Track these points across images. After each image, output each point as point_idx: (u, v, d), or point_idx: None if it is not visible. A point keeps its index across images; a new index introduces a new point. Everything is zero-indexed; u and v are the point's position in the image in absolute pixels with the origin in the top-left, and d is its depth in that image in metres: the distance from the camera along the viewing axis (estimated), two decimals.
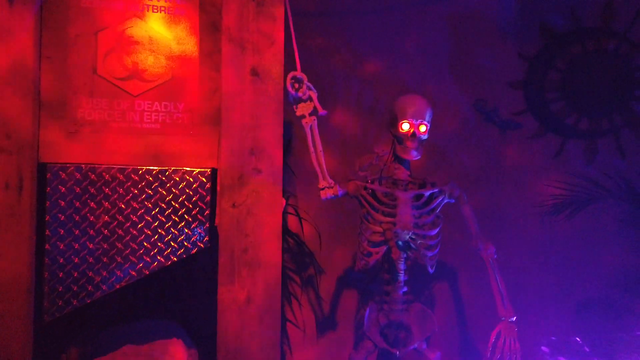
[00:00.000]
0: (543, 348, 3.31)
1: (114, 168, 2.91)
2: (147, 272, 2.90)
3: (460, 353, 4.25)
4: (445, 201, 3.44)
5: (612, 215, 4.29)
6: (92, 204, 2.89)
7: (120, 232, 2.89)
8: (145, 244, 2.92)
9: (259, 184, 2.96)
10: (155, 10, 2.99)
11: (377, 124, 4.23)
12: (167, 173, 2.95)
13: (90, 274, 2.86)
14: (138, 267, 2.89)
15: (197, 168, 2.99)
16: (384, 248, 3.35)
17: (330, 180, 3.25)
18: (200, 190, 2.97)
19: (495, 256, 3.33)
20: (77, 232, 2.86)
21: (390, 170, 3.48)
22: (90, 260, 2.87)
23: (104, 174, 2.90)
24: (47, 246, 2.84)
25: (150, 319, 3.48)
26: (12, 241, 2.75)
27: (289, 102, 3.10)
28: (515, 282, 4.05)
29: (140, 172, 2.93)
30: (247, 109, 2.96)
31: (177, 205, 2.96)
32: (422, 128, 3.35)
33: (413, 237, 3.29)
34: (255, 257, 2.93)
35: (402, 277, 3.36)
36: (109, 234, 2.89)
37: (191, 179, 2.97)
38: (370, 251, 3.38)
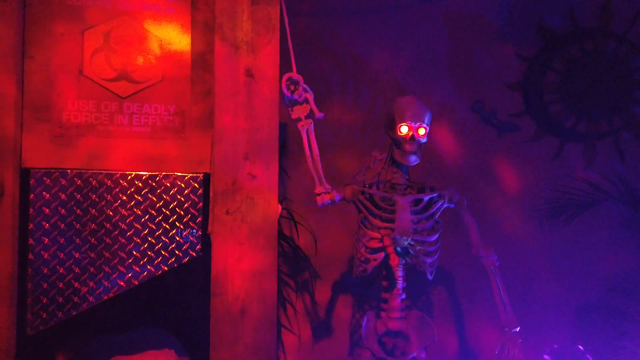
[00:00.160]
0: (545, 357, 3.14)
1: (101, 173, 2.73)
2: (137, 283, 2.72)
3: None
4: (445, 206, 3.32)
5: (612, 219, 4.19)
6: (78, 211, 2.70)
7: (107, 240, 2.71)
8: (134, 252, 2.73)
9: (253, 189, 2.77)
10: (145, 8, 2.79)
11: (374, 127, 4.09)
12: (157, 178, 2.76)
13: (77, 284, 2.67)
14: (127, 277, 2.71)
15: (189, 173, 2.80)
16: (382, 254, 3.21)
17: (327, 186, 3.10)
18: (192, 197, 2.78)
19: (498, 263, 3.16)
20: (62, 240, 2.68)
21: (388, 174, 3.34)
22: (76, 270, 2.69)
23: (90, 179, 2.71)
24: (30, 256, 2.65)
25: (141, 327, 3.29)
26: None
27: (285, 104, 2.91)
28: (513, 287, 3.90)
29: (129, 177, 2.74)
30: (241, 111, 2.78)
31: (167, 212, 2.77)
32: (421, 131, 3.20)
33: (412, 243, 3.16)
34: (250, 267, 2.75)
35: (400, 284, 3.22)
36: (96, 243, 2.70)
37: (183, 185, 2.78)
38: (368, 258, 3.24)
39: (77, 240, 2.69)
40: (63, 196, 2.68)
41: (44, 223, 2.66)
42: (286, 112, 2.98)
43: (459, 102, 4.21)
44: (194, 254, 2.79)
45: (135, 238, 2.73)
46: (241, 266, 2.74)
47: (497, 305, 3.16)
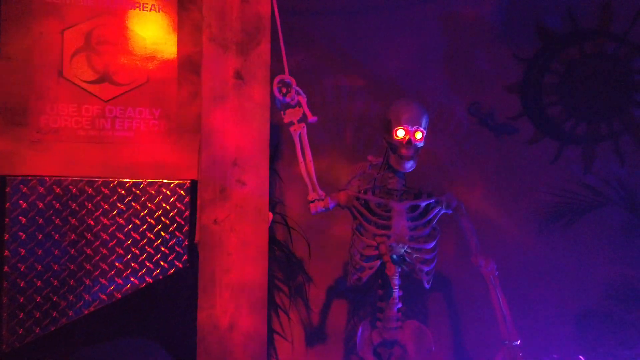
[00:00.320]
0: None
1: (82, 181, 2.52)
2: (119, 296, 2.51)
3: None
4: (442, 212, 3.13)
5: (611, 224, 4.02)
6: (57, 220, 2.50)
7: (88, 251, 2.50)
8: (117, 264, 2.52)
9: (243, 197, 2.57)
10: (129, 7, 2.57)
11: (370, 130, 3.93)
12: (141, 186, 2.55)
13: (55, 298, 2.47)
14: (109, 290, 2.50)
15: (175, 180, 2.61)
16: (378, 263, 3.02)
17: (321, 192, 2.90)
18: (178, 205, 2.58)
19: (497, 273, 2.96)
20: (40, 252, 2.47)
21: (384, 179, 3.15)
22: (55, 283, 2.49)
23: (70, 187, 2.50)
24: (5, 268, 2.45)
25: (128, 337, 3.08)
26: None
27: (276, 107, 2.70)
28: (512, 294, 3.73)
29: (112, 184, 2.54)
30: (230, 115, 2.57)
31: (152, 221, 2.57)
32: (418, 135, 3.02)
33: (408, 251, 2.98)
34: (239, 279, 2.55)
35: (396, 293, 3.05)
36: (76, 254, 2.50)
37: (168, 192, 2.58)
38: (363, 266, 3.06)
39: (56, 252, 2.49)
40: (41, 205, 2.48)
41: (21, 233, 2.46)
42: (279, 113, 2.79)
43: (456, 104, 4.04)
44: (180, 265, 2.59)
45: (117, 249, 2.53)
46: (230, 278, 2.54)
47: (497, 317, 2.96)
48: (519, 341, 2.91)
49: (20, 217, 2.45)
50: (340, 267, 3.90)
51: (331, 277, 3.94)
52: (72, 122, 2.51)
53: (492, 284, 2.98)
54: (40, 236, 2.46)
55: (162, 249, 2.57)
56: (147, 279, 2.54)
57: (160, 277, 2.57)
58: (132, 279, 2.52)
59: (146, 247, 2.55)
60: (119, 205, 2.54)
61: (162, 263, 2.56)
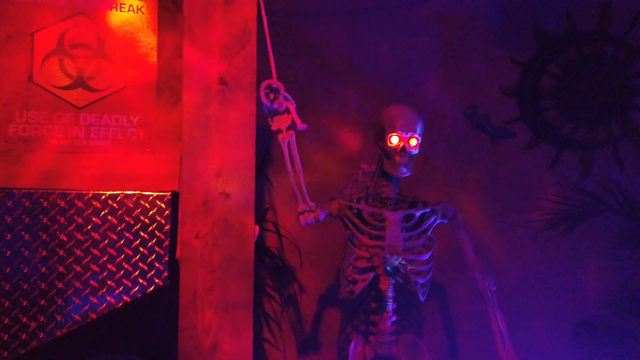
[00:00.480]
0: None
1: (53, 193, 2.29)
2: (95, 316, 2.27)
3: None
4: (438, 222, 2.89)
5: (610, 231, 3.79)
6: (27, 236, 2.28)
7: (61, 269, 2.27)
8: (91, 282, 2.29)
9: (227, 210, 2.35)
10: (106, 7, 2.32)
11: (362, 135, 3.69)
12: (118, 198, 2.31)
13: (25, 319, 2.24)
14: (83, 310, 2.27)
15: (155, 192, 2.38)
16: (371, 275, 2.79)
17: (311, 203, 2.68)
18: (158, 218, 2.34)
19: (495, 289, 2.73)
20: (7, 270, 2.26)
21: (378, 187, 2.92)
22: (24, 303, 2.26)
23: (41, 200, 2.26)
24: None
25: (110, 352, 2.83)
26: None
27: (264, 114, 2.46)
28: (507, 304, 3.55)
29: (86, 197, 2.30)
30: (213, 123, 2.35)
31: (130, 235, 2.33)
32: (413, 142, 2.80)
33: (403, 262, 2.75)
34: (223, 297, 2.33)
35: (390, 306, 2.83)
36: (47, 272, 2.27)
37: (147, 205, 2.34)
38: (355, 278, 2.84)
39: (26, 270, 2.26)
40: (9, 219, 2.26)
41: None
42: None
43: (451, 108, 3.82)
44: (160, 282, 2.36)
45: (92, 266, 2.30)
46: (213, 297, 2.31)
47: (495, 336, 2.72)
48: None
49: None
50: (333, 274, 3.68)
51: (324, 284, 3.71)
52: (43, 131, 2.28)
53: (489, 301, 2.75)
54: (8, 253, 2.23)
55: (141, 265, 2.33)
56: (125, 297, 2.31)
57: (139, 295, 2.34)
58: (108, 298, 2.29)
59: (123, 263, 2.32)
60: (94, 219, 2.30)
61: (140, 280, 2.33)
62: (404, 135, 2.80)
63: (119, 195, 2.33)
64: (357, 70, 3.77)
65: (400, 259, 2.74)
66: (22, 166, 2.26)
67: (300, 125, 2.52)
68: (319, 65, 3.75)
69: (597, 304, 3.77)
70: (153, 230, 2.35)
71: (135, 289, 2.32)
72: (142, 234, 2.34)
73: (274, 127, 2.53)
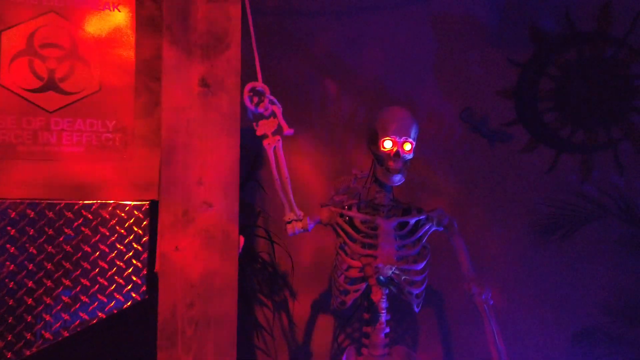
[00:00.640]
0: None
1: (22, 203, 2.08)
2: (67, 334, 2.05)
3: None
4: (433, 229, 2.69)
5: (610, 237, 3.60)
6: None
7: (30, 284, 2.07)
8: (63, 298, 2.09)
9: (209, 221, 2.15)
10: (79, 5, 2.12)
11: (355, 140, 3.48)
12: (92, 208, 2.11)
13: None
14: (54, 327, 2.07)
15: (132, 201, 2.17)
16: (363, 285, 2.60)
17: (299, 212, 2.48)
18: (135, 229, 2.14)
19: (492, 302, 2.53)
20: None
21: (370, 193, 2.73)
22: None
23: (9, 210, 2.07)
24: None
25: None
26: None
27: (248, 118, 2.25)
28: (503, 311, 3.43)
29: (58, 207, 2.10)
30: (194, 128, 2.15)
31: (105, 248, 2.13)
32: (407, 146, 2.61)
33: (396, 272, 2.55)
34: (204, 313, 2.12)
35: (384, 317, 2.63)
36: (15, 287, 2.08)
37: (124, 215, 2.14)
38: (347, 289, 2.66)
39: None
40: None
41: None
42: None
43: (447, 110, 3.63)
44: (138, 297, 2.16)
45: (64, 280, 2.09)
46: (193, 313, 2.11)
47: (490, 351, 2.52)
48: None
49: None
50: (326, 280, 3.47)
51: (317, 291, 3.52)
52: (11, 137, 2.07)
53: (486, 315, 2.55)
54: None
55: (117, 279, 2.13)
56: (100, 314, 2.11)
57: (115, 311, 2.13)
58: (81, 315, 2.09)
59: (98, 277, 2.12)
60: (66, 230, 2.10)
61: (116, 296, 2.12)
62: (397, 139, 2.60)
63: (93, 204, 2.12)
64: (351, 71, 3.58)
65: (393, 268, 2.54)
66: None
67: (287, 130, 2.32)
68: (311, 67, 3.54)
69: (596, 311, 3.59)
70: (130, 242, 2.15)
71: (111, 305, 2.12)
72: (118, 245, 2.14)
73: (259, 132, 2.33)
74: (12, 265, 2.03)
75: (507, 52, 3.65)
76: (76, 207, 2.11)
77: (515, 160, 3.64)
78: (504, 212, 3.62)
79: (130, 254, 2.14)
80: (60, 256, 2.08)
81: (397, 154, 2.59)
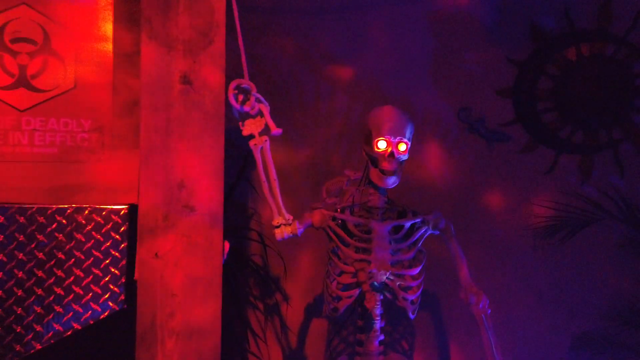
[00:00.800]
0: None
1: None
2: (40, 347, 1.88)
3: None
4: (429, 233, 2.51)
5: (610, 239, 3.43)
6: None
7: (0, 294, 1.84)
8: (35, 308, 1.91)
9: (191, 226, 1.98)
10: None
11: (349, 140, 3.32)
12: (67, 213, 1.94)
13: None
14: (26, 339, 1.90)
15: (110, 205, 1.97)
16: (357, 291, 2.43)
17: (288, 216, 2.32)
18: (113, 234, 1.97)
19: (489, 312, 2.35)
20: None
21: (364, 196, 2.54)
22: None
23: None
24: None
25: None
26: None
27: (234, 117, 2.08)
28: (502, 315, 3.28)
29: (29, 212, 1.93)
30: (175, 127, 1.98)
31: (81, 255, 1.96)
32: (402, 147, 2.45)
33: (391, 277, 2.39)
34: (186, 324, 1.96)
35: (378, 324, 2.45)
36: None
37: (101, 220, 1.96)
38: (340, 295, 2.49)
39: None
40: None
41: None
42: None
43: (444, 109, 3.48)
44: (116, 307, 1.98)
45: (37, 289, 1.92)
46: (174, 323, 1.94)
47: None
48: None
49: None
50: (319, 282, 3.28)
51: (310, 294, 3.35)
52: None
53: (483, 325, 2.37)
54: None
55: (94, 288, 1.95)
56: (75, 325, 1.94)
57: (91, 322, 1.96)
58: (55, 326, 1.91)
59: (73, 286, 1.94)
60: (38, 236, 1.92)
61: (92, 305, 1.95)
62: (391, 139, 2.43)
63: (67, 209, 1.95)
64: (346, 69, 3.43)
65: (388, 273, 2.38)
66: None
67: (275, 130, 2.14)
68: (304, 65, 3.38)
69: (596, 315, 3.42)
70: (108, 249, 1.97)
71: (87, 315, 1.95)
72: (95, 252, 1.96)
73: (245, 132, 2.15)
74: None
75: (505, 50, 3.50)
76: (49, 211, 1.93)
77: (513, 161, 3.48)
78: (502, 214, 3.46)
79: (108, 261, 1.96)
80: (32, 264, 1.90)
81: (391, 154, 2.43)
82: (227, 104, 2.06)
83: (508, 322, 3.35)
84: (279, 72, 3.31)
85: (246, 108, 2.06)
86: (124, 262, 1.97)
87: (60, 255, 1.92)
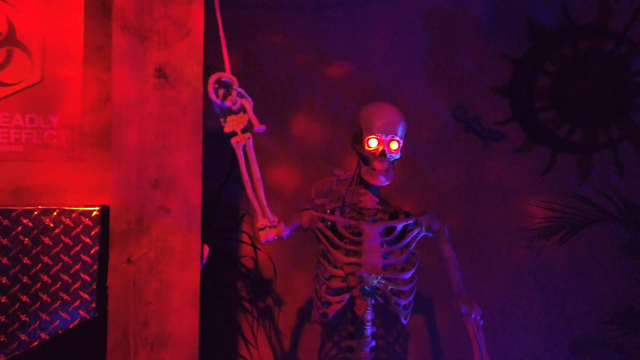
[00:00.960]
0: None
1: None
2: (4, 358, 1.68)
3: None
4: (422, 234, 2.36)
5: (609, 241, 3.27)
6: None
7: None
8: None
9: (166, 229, 1.81)
10: None
11: (339, 139, 3.16)
12: (33, 215, 1.75)
13: None
14: None
15: (80, 207, 1.79)
16: (347, 296, 2.28)
17: (273, 218, 2.15)
18: (83, 238, 1.78)
19: (482, 322, 2.19)
20: None
21: (355, 196, 2.40)
22: None
23: None
24: None
25: None
26: None
27: (215, 113, 1.90)
28: (498, 319, 3.18)
29: None
30: (149, 124, 1.81)
31: (48, 260, 1.77)
32: (394, 145, 2.30)
33: (382, 281, 2.23)
34: (160, 333, 1.78)
35: (369, 330, 2.30)
36: None
37: (70, 223, 1.78)
38: (329, 300, 2.32)
39: None
40: None
41: None
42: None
43: (439, 107, 3.32)
44: (86, 315, 1.80)
45: (1, 297, 1.71)
46: (148, 333, 1.76)
47: None
48: None
49: None
50: (311, 285, 3.15)
51: (303, 297, 3.20)
52: None
53: (474, 336, 2.19)
54: None
55: (62, 295, 1.77)
56: (42, 335, 1.75)
57: (60, 332, 1.77)
58: (20, 336, 1.73)
59: (40, 293, 1.76)
60: (2, 240, 1.73)
61: (61, 313, 1.77)
62: (383, 137, 2.27)
63: (34, 211, 1.76)
64: (338, 65, 3.26)
65: (379, 277, 2.21)
66: None
67: (258, 127, 1.96)
68: (294, 60, 3.20)
69: (594, 318, 3.26)
70: (77, 253, 1.79)
71: (55, 324, 1.76)
72: (63, 257, 1.78)
73: (226, 129, 1.97)
74: None
75: (501, 47, 3.34)
76: (14, 213, 1.75)
77: (510, 161, 3.33)
78: (498, 215, 3.29)
79: (78, 266, 1.78)
80: None
81: (383, 153, 2.26)
82: (207, 99, 1.89)
83: (505, 324, 3.19)
84: (272, 70, 3.14)
85: (227, 103, 1.88)
86: (95, 267, 1.79)
87: (26, 261, 1.74)
